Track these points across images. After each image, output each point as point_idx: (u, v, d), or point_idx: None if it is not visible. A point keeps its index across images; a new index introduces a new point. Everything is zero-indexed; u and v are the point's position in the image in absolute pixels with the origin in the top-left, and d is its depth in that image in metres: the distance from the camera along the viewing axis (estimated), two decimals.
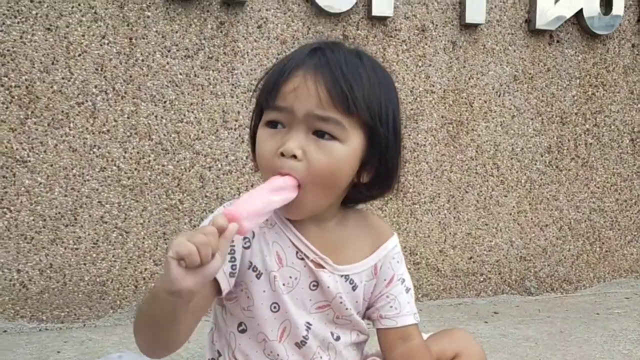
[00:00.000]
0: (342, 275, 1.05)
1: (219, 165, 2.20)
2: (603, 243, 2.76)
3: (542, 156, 2.63)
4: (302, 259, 1.03)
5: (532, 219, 2.63)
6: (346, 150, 0.97)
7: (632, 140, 2.76)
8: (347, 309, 1.06)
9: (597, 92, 2.70)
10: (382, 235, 1.11)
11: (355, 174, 1.01)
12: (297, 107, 0.95)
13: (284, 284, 1.02)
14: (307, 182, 0.96)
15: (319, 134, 0.96)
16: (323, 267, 1.03)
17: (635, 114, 2.75)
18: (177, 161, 2.15)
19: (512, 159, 2.58)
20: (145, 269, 2.14)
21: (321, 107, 0.94)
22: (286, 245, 1.03)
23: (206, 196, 2.19)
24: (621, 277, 2.81)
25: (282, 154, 0.95)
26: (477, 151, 2.52)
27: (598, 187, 2.73)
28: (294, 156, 0.94)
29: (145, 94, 2.11)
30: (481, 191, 2.54)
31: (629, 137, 2.76)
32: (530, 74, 2.58)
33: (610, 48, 2.69)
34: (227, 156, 2.21)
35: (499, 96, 2.55)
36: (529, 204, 2.63)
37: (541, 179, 2.64)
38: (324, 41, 1.04)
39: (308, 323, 1.04)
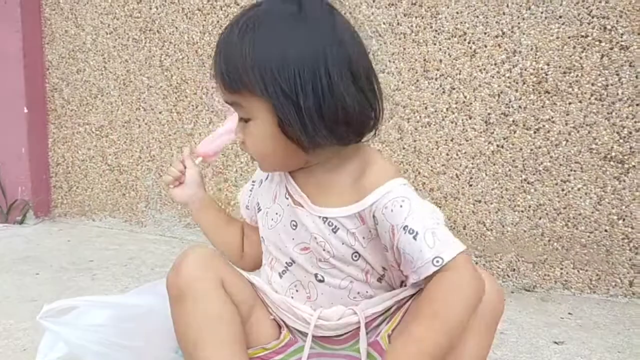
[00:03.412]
0: (320, 217, 1.02)
1: (418, 117, 2.14)
2: None
3: None
4: (288, 197, 1.08)
5: None
6: (260, 125, 0.97)
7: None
8: (324, 251, 1.02)
9: None
10: (374, 182, 0.98)
11: (305, 128, 0.93)
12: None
13: (272, 219, 1.10)
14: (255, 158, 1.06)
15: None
16: (302, 206, 1.05)
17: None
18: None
19: None
20: None
21: (222, 94, 0.98)
22: (282, 185, 1.10)
23: (404, 148, 2.16)
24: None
25: None
26: None
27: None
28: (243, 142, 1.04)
29: None
30: None
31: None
32: None
33: None
34: (426, 107, 2.13)
35: None
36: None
37: None
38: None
39: (291, 259, 1.08)
